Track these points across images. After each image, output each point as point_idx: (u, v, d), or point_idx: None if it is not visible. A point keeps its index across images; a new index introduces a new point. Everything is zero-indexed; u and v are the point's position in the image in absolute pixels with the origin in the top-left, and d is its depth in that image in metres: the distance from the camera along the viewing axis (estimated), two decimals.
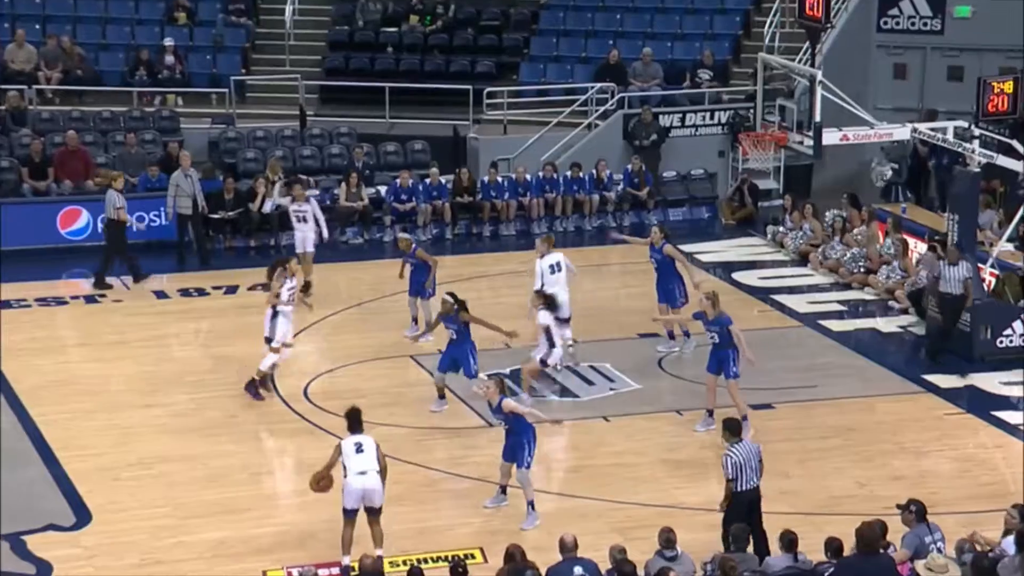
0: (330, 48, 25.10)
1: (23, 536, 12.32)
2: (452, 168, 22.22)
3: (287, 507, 13.07)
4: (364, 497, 11.74)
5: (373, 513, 11.81)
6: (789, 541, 10.70)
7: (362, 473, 11.71)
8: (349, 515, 11.79)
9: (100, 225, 19.72)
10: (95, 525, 12.60)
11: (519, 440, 12.66)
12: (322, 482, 12.01)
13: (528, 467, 12.66)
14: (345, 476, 11.76)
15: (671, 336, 16.81)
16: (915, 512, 10.94)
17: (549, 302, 15.15)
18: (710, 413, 14.73)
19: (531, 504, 12.67)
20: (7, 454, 14.14)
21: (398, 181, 21.75)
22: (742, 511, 11.54)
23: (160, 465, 13.84)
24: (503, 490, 13.01)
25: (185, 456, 14.01)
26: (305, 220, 18.40)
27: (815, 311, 18.70)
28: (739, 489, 11.60)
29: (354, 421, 12.07)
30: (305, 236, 18.47)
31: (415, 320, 17.08)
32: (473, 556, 12.01)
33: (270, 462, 14.00)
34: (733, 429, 11.84)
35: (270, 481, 13.57)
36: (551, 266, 16.32)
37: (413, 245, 16.99)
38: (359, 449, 11.77)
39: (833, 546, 10.60)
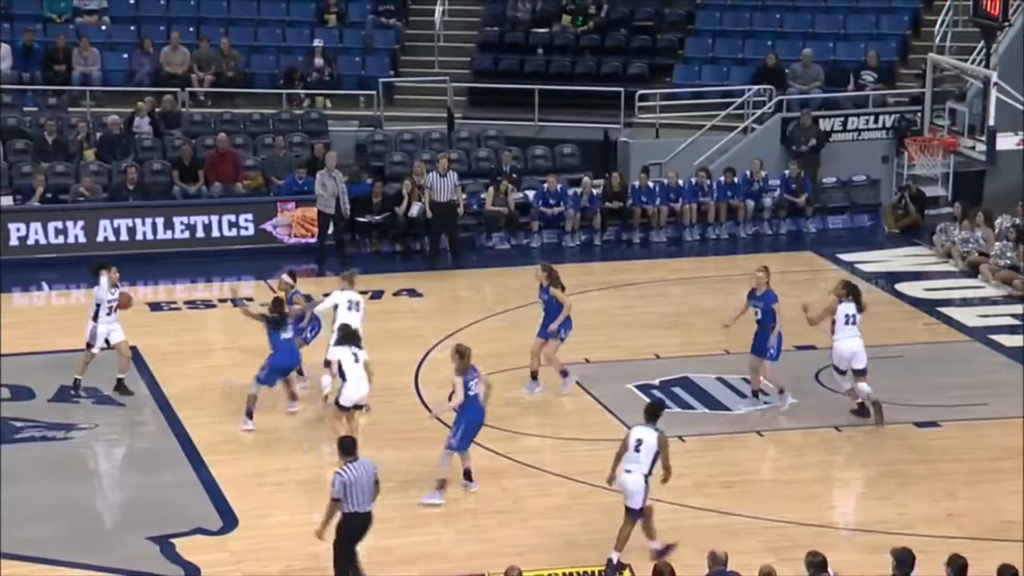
0: (479, 49, 25.33)
1: (171, 539, 12.69)
2: (602, 172, 22.21)
3: (432, 517, 13.20)
4: (625, 493, 12.07)
5: (629, 513, 12.07)
6: (960, 566, 10.38)
7: (628, 471, 11.99)
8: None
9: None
10: (241, 530, 12.89)
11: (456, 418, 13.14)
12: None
13: (451, 448, 13.23)
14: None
15: (534, 378, 15.84)
16: None
17: None
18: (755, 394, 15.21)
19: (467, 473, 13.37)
20: (156, 457, 14.60)
21: (546, 185, 21.82)
22: (353, 534, 11.30)
23: (304, 471, 14.10)
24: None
25: (329, 463, 14.22)
26: (115, 311, 15.72)
27: (986, 325, 18.17)
28: (349, 510, 11.28)
29: (652, 415, 12.27)
30: (111, 328, 15.71)
31: (300, 372, 15.68)
32: (621, 573, 11.96)
33: (414, 471, 14.14)
34: (347, 448, 11.49)
35: (412, 490, 13.70)
36: (349, 303, 15.48)
37: (293, 290, 15.77)
38: (637, 447, 12.01)
39: (1008, 574, 10.26)
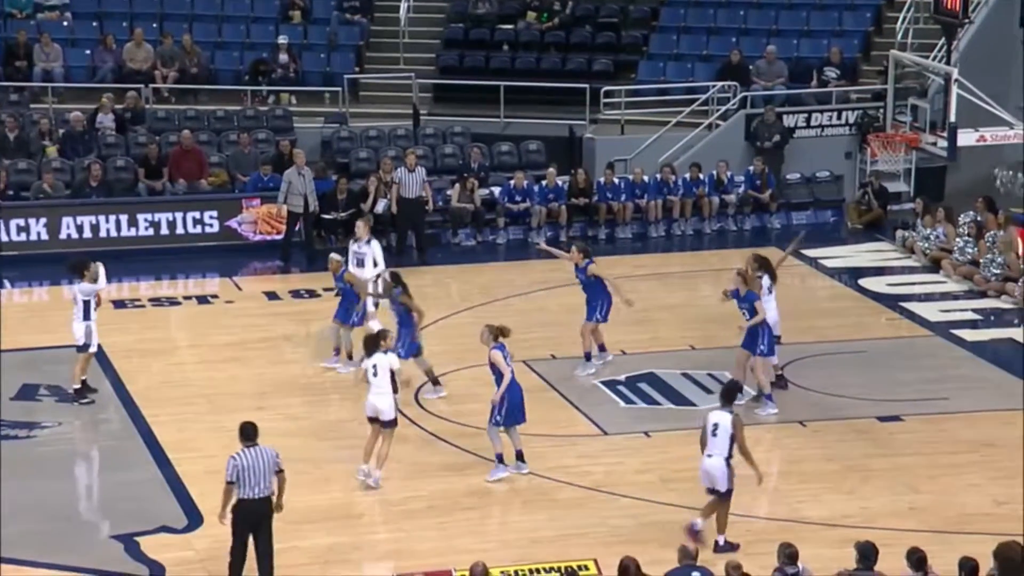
0: (445, 46, 25.32)
1: (136, 537, 12.64)
2: (568, 169, 22.26)
3: (398, 513, 13.21)
4: (708, 479, 12.30)
5: (720, 497, 12.28)
6: (918, 559, 10.49)
7: (709, 456, 12.21)
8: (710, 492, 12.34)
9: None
10: (207, 528, 12.82)
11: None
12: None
13: (497, 424, 13.49)
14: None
15: (602, 349, 16.17)
16: None
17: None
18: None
19: (500, 457, 13.53)
20: (120, 455, 14.54)
21: (512, 182, 21.84)
22: (245, 520, 11.46)
23: None
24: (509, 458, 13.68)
25: (297, 460, 14.16)
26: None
27: (948, 320, 18.33)
28: (241, 495, 11.45)
29: (727, 397, 12.53)
30: (90, 329, 15.43)
31: (337, 350, 16.28)
32: (587, 567, 12.01)
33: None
34: (248, 434, 11.61)
35: (382, 487, 13.70)
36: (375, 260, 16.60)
37: (342, 267, 16.27)
38: (714, 431, 12.21)
39: (968, 566, 10.37)
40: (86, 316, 15.33)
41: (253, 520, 11.49)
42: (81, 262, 15.57)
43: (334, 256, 16.52)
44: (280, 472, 11.59)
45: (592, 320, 16.02)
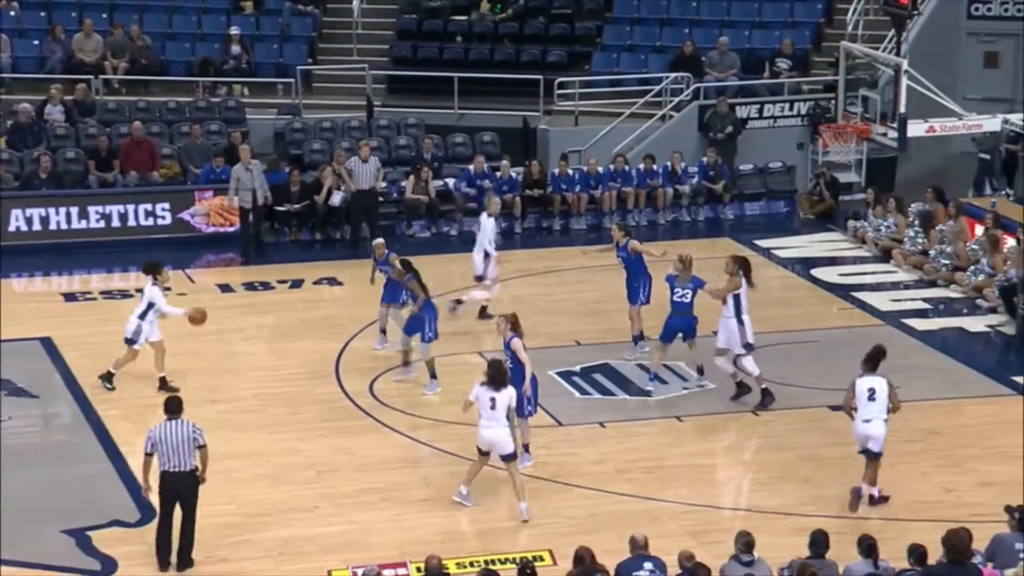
0: (398, 37, 25.23)
1: (88, 532, 12.53)
2: (522, 160, 22.25)
3: (353, 506, 13.17)
4: (869, 440, 12.70)
5: (874, 457, 12.71)
6: (868, 546, 10.59)
7: (866, 421, 12.54)
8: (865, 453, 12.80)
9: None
10: None
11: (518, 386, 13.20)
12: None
13: (529, 415, 13.46)
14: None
15: (637, 340, 16.26)
16: (1020, 520, 10.77)
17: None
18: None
19: (526, 448, 13.52)
20: (71, 448, 14.40)
21: (472, 167, 21.80)
22: (167, 493, 11.78)
23: (224, 462, 13.94)
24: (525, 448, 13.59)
25: (250, 452, 14.17)
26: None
27: (898, 309, 18.48)
28: (163, 468, 11.76)
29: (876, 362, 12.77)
30: (153, 327, 15.59)
31: (383, 332, 16.51)
32: (542, 558, 12.03)
33: (335, 460, 14.09)
34: (170, 408, 11.89)
35: (336, 479, 13.67)
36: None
37: (386, 251, 16.48)
38: (871, 396, 12.54)
39: (917, 553, 10.48)
40: (142, 315, 15.41)
41: (175, 493, 11.75)
42: (155, 264, 15.62)
43: (378, 240, 16.77)
44: (202, 447, 11.78)
45: (637, 304, 16.13)
